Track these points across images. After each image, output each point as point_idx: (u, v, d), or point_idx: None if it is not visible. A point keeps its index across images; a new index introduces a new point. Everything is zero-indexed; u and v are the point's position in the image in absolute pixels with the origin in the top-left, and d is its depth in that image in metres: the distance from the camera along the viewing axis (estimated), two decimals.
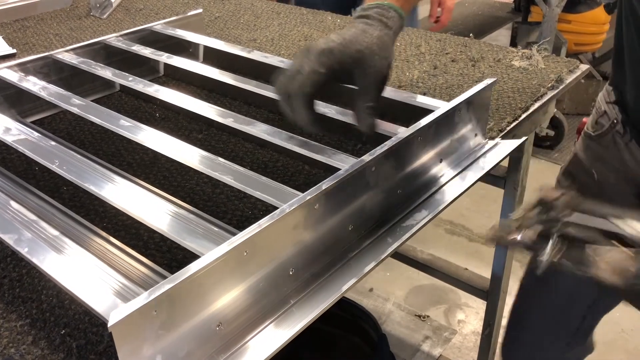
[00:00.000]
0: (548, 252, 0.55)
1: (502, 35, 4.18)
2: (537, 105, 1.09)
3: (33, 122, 1.04)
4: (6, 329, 0.62)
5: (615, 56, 0.95)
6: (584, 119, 1.02)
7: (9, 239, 0.60)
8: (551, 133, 3.02)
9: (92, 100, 1.02)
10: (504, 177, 1.29)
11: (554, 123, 2.97)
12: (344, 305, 1.35)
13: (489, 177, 1.31)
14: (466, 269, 1.54)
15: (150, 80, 1.03)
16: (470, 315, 2.03)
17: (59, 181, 0.86)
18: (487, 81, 0.90)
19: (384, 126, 0.84)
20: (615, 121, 0.96)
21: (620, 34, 0.92)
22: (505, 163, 1.28)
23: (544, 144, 3.05)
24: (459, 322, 2.00)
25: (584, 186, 1.04)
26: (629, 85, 0.90)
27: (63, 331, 0.61)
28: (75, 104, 0.88)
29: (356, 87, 0.74)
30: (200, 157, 0.77)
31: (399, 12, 0.78)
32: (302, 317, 0.61)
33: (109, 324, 0.48)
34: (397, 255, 1.58)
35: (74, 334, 0.61)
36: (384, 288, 2.13)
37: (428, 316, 1.98)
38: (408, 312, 1.98)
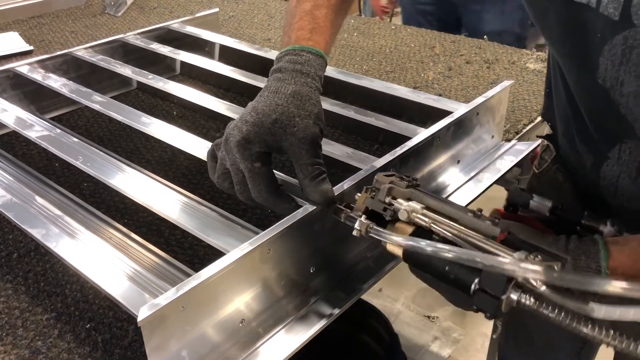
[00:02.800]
0: (357, 226, 0.57)
1: None
2: None
3: (51, 119, 1.05)
4: (32, 322, 0.63)
5: (546, 87, 0.84)
6: (537, 149, 0.91)
7: (37, 234, 0.61)
8: None
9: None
10: (518, 179, 1.29)
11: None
12: (355, 304, 1.35)
13: (502, 180, 1.31)
14: None
15: (167, 79, 1.04)
16: (479, 316, 2.03)
17: (79, 177, 0.87)
18: (504, 84, 0.91)
19: (403, 127, 0.85)
20: (556, 155, 0.85)
21: (549, 62, 0.81)
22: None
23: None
24: (467, 323, 2.00)
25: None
26: (556, 114, 0.80)
27: (88, 325, 0.62)
28: (96, 101, 0.89)
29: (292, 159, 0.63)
30: None
31: (314, 52, 0.67)
32: (326, 311, 0.62)
33: (139, 319, 0.48)
34: None
35: (99, 328, 0.62)
36: (392, 288, 2.14)
37: (437, 317, 1.98)
38: (417, 313, 1.98)
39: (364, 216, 0.58)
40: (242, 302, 0.57)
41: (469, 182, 0.86)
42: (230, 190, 0.64)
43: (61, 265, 0.70)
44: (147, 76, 0.99)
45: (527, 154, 0.94)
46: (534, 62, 1.28)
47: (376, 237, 0.56)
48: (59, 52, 1.09)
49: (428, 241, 0.50)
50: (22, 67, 1.02)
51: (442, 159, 0.82)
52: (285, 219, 0.60)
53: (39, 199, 0.67)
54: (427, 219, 0.54)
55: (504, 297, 0.46)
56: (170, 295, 0.50)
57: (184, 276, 0.66)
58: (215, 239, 0.62)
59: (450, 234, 0.52)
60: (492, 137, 0.93)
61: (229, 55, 1.23)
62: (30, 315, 0.64)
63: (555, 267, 0.45)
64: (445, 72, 1.23)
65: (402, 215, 0.56)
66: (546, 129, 0.87)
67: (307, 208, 0.61)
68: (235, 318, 0.57)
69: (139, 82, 1.15)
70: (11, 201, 0.67)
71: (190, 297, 0.51)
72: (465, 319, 2.02)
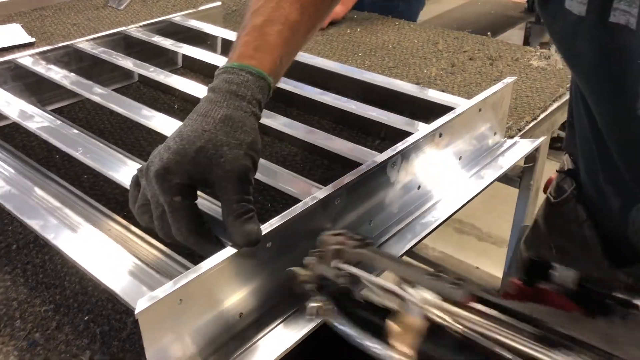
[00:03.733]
0: (309, 309, 0.51)
1: (515, 35, 4.15)
2: (555, 105, 1.09)
3: (52, 111, 1.05)
4: (30, 313, 0.62)
5: (568, 117, 0.77)
6: (552, 176, 0.82)
7: (35, 225, 0.61)
8: (562, 134, 3.00)
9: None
10: (519, 177, 1.28)
11: (565, 124, 2.95)
12: None
13: (504, 177, 1.31)
14: (477, 267, 1.54)
15: (168, 72, 1.03)
16: None
17: (79, 170, 0.87)
18: (507, 80, 0.90)
19: (405, 122, 0.84)
20: (576, 191, 0.77)
21: (572, 91, 0.75)
22: (521, 163, 1.28)
23: (555, 145, 3.03)
24: None
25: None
26: (579, 149, 0.72)
27: (87, 317, 0.62)
28: (97, 93, 0.88)
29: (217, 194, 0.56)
30: None
31: (255, 72, 0.58)
32: None
33: (136, 312, 0.48)
34: (409, 253, 1.59)
35: (97, 320, 0.61)
36: None
37: None
38: None
39: (317, 296, 0.52)
40: (240, 295, 0.57)
41: (470, 178, 0.85)
42: (151, 225, 0.57)
43: (60, 257, 0.70)
44: (148, 69, 0.99)
45: (530, 152, 0.93)
46: (538, 59, 1.27)
47: (336, 324, 0.50)
48: (60, 44, 1.08)
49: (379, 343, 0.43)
50: (24, 58, 1.01)
51: (443, 154, 0.81)
52: (287, 211, 0.60)
53: (38, 191, 0.67)
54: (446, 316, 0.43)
55: None
56: (167, 288, 0.50)
57: (183, 269, 0.65)
58: (215, 231, 0.61)
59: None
60: (495, 133, 0.92)
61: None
62: (28, 306, 0.63)
63: None
64: (448, 69, 1.22)
65: (413, 311, 0.44)
66: (567, 162, 0.79)
67: (307, 202, 0.61)
68: (234, 311, 0.57)
69: (140, 75, 1.15)
70: (10, 192, 0.67)
71: (188, 290, 0.51)
72: None
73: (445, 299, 0.44)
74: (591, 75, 0.58)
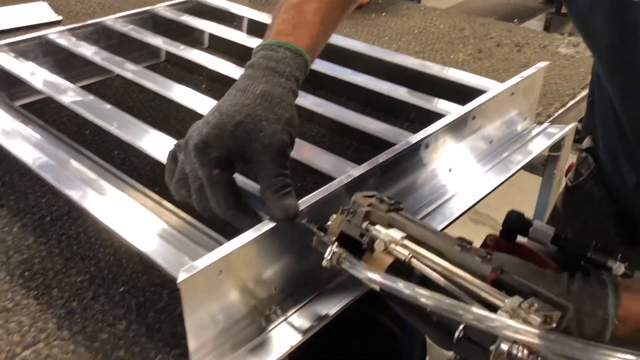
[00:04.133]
0: (326, 256, 0.50)
1: (534, 26, 4.11)
2: (584, 93, 1.08)
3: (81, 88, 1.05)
4: (67, 283, 0.63)
5: (589, 98, 0.78)
6: (573, 162, 0.84)
7: (74, 195, 0.61)
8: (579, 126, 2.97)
9: None
10: (543, 165, 1.28)
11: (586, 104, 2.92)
12: None
13: (528, 165, 1.30)
14: None
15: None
16: None
17: (109, 145, 0.88)
18: (540, 64, 0.89)
19: (436, 104, 0.84)
20: (595, 170, 0.79)
21: (593, 70, 0.76)
22: (546, 151, 1.27)
23: (574, 137, 3.00)
24: None
25: None
26: (599, 130, 0.73)
27: (122, 288, 0.62)
28: (129, 69, 0.89)
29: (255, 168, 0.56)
30: None
31: (293, 49, 0.59)
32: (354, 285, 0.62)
33: (178, 280, 0.49)
34: None
35: (132, 291, 0.62)
36: None
37: None
38: None
39: (335, 243, 0.51)
40: (276, 270, 0.57)
41: (500, 163, 0.85)
42: (188, 199, 0.57)
43: (94, 229, 0.70)
44: (178, 47, 0.99)
45: (559, 137, 0.93)
46: (566, 46, 1.26)
47: (349, 270, 0.49)
48: (89, 21, 1.08)
49: (405, 282, 0.44)
50: (54, 34, 1.02)
51: (475, 138, 0.81)
52: (322, 188, 0.60)
53: (74, 163, 0.68)
54: (406, 252, 0.48)
55: (492, 347, 0.40)
56: (208, 258, 0.51)
57: (216, 244, 0.66)
58: (251, 205, 0.62)
59: (432, 271, 0.46)
60: (525, 119, 0.92)
61: (258, 30, 1.22)
62: (64, 277, 0.64)
63: (554, 317, 0.40)
64: (475, 54, 1.21)
65: (379, 246, 0.49)
66: (586, 141, 0.80)
67: (342, 180, 0.61)
68: (271, 284, 0.57)
69: (167, 54, 1.15)
70: (48, 163, 0.67)
71: (228, 261, 0.52)
72: None
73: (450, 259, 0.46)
74: (607, 54, 0.59)
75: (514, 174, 0.83)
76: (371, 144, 0.88)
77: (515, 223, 0.65)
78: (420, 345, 1.18)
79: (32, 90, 0.99)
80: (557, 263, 0.61)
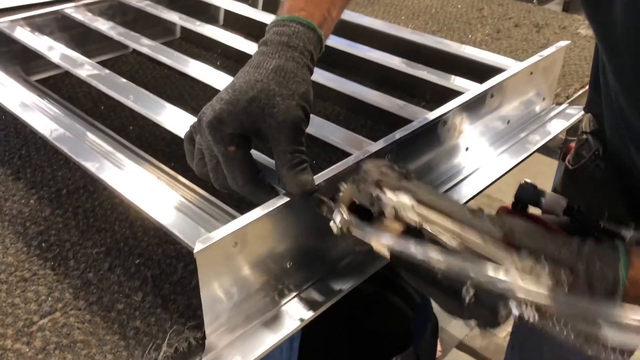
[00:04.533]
0: (337, 220, 0.50)
1: (553, 7, 4.04)
2: None
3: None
4: (83, 255, 0.63)
5: (592, 78, 0.77)
6: (571, 144, 0.84)
7: (91, 167, 0.61)
8: None
9: None
10: (560, 148, 1.26)
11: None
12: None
13: (544, 148, 1.29)
14: None
15: None
16: None
17: (125, 121, 0.88)
18: (560, 44, 0.88)
19: (454, 81, 0.83)
20: (597, 152, 0.78)
21: (596, 53, 0.74)
22: (563, 134, 1.25)
23: None
24: None
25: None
26: (605, 112, 0.72)
27: (137, 261, 0.63)
28: (145, 44, 0.88)
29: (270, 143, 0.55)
30: None
31: (305, 23, 0.58)
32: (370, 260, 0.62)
33: (195, 251, 0.49)
34: None
35: (148, 264, 0.62)
36: None
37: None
38: None
39: (346, 211, 0.51)
40: (290, 245, 0.57)
41: (517, 143, 0.84)
42: (207, 177, 0.57)
43: (110, 202, 0.71)
44: (194, 22, 0.98)
45: (578, 118, 0.91)
46: (586, 28, 1.23)
47: (358, 236, 0.49)
48: None
49: (417, 245, 0.44)
50: (70, 9, 1.01)
51: (492, 117, 0.80)
52: (339, 163, 0.59)
53: (90, 135, 0.68)
54: (417, 218, 0.47)
55: (503, 311, 0.40)
56: (225, 230, 0.51)
57: (231, 219, 0.66)
58: (269, 180, 0.61)
59: (443, 235, 0.46)
60: (544, 99, 0.90)
61: (273, 7, 1.21)
62: (80, 248, 0.65)
63: (564, 277, 0.40)
64: (493, 34, 1.20)
65: (389, 213, 0.48)
66: (587, 123, 0.78)
67: (359, 156, 0.60)
68: (284, 259, 0.57)
69: (182, 31, 1.14)
70: (65, 135, 0.67)
71: (243, 234, 0.52)
72: None
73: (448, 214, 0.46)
74: (617, 43, 0.55)
75: (531, 155, 0.82)
76: (386, 123, 0.87)
77: (527, 193, 0.62)
78: (432, 326, 1.18)
79: (47, 65, 0.99)
80: (570, 234, 0.58)
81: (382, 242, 0.47)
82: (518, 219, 0.52)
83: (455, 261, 0.41)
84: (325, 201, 0.53)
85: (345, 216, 0.50)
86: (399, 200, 0.49)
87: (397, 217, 0.48)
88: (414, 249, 0.44)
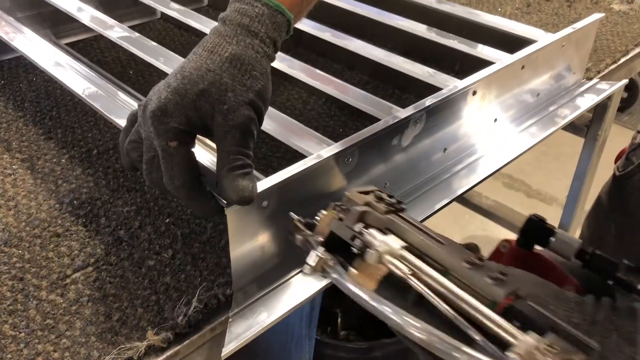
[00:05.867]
0: (310, 261, 0.45)
1: None
2: (637, 50, 1.04)
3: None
4: (114, 213, 0.65)
5: None
6: (626, 147, 0.78)
7: (123, 124, 0.62)
8: (623, 94, 2.88)
9: None
10: (587, 125, 1.24)
11: (628, 84, 2.83)
12: None
13: (570, 126, 1.27)
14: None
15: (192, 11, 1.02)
16: None
17: (153, 85, 0.87)
18: (594, 16, 0.86)
19: (484, 50, 0.82)
20: None
21: None
22: (590, 111, 1.23)
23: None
24: None
25: (601, 239, 0.78)
26: None
27: (167, 220, 0.64)
28: (174, 9, 0.88)
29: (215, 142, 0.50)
30: (300, 67, 0.77)
31: (272, 5, 0.50)
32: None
33: (227, 208, 0.49)
34: (461, 200, 1.57)
35: (177, 223, 0.63)
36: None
37: None
38: None
39: (321, 249, 0.46)
40: (321, 205, 0.57)
41: (546, 116, 0.83)
42: (138, 165, 0.52)
43: None
44: (170, 5, 0.94)
45: (609, 93, 0.90)
46: (619, 3, 1.21)
47: (334, 281, 0.44)
48: None
49: (394, 308, 0.38)
50: None
51: (522, 89, 0.79)
52: (369, 127, 0.59)
53: (122, 95, 0.68)
54: (404, 268, 0.41)
55: None
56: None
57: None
58: (298, 142, 0.62)
59: (432, 294, 0.39)
60: (574, 73, 0.89)
61: None
62: (111, 207, 0.66)
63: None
64: (523, 8, 1.18)
65: (371, 258, 0.43)
66: None
67: (388, 121, 0.60)
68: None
69: (163, 13, 1.11)
70: (97, 93, 0.68)
71: (273, 193, 0.52)
72: None
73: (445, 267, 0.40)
74: None
75: (560, 128, 0.81)
76: (414, 93, 0.87)
77: (535, 231, 0.58)
78: None
79: (76, 29, 1.00)
80: (580, 280, 0.55)
81: (356, 295, 0.42)
82: (523, 270, 0.46)
83: (438, 335, 0.36)
84: (300, 228, 0.49)
85: (321, 254, 0.45)
86: (384, 241, 0.43)
87: (382, 262, 0.43)
88: (390, 313, 0.39)
